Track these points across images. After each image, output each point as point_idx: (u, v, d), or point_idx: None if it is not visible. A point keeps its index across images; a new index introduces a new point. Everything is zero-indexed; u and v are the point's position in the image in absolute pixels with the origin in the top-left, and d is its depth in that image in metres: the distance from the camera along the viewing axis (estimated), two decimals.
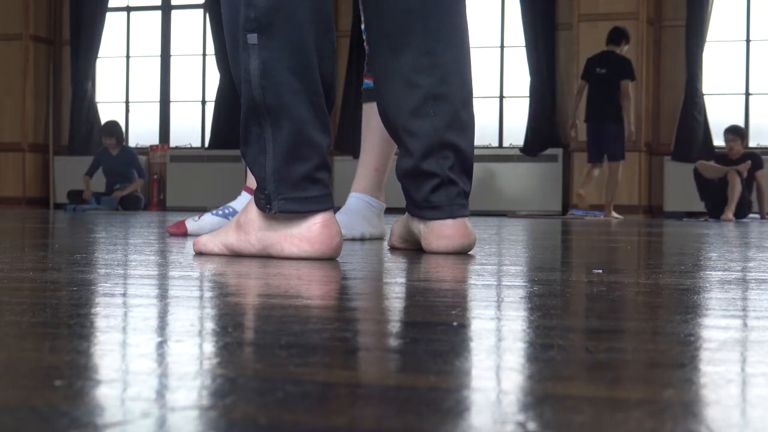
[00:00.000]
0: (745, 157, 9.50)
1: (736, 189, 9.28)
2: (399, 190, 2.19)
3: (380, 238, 2.94)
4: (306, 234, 1.82)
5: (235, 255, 1.92)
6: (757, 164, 9.43)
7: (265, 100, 1.80)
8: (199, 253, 1.96)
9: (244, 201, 2.98)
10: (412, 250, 2.20)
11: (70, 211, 9.01)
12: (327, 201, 1.84)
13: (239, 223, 1.92)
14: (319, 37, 1.84)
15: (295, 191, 1.81)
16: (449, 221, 2.09)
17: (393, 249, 2.25)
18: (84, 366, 0.66)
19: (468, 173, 2.14)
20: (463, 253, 2.08)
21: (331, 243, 1.82)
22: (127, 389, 0.58)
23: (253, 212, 1.89)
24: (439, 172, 2.08)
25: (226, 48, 1.88)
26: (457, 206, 2.10)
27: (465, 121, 2.11)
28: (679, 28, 10.50)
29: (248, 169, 2.97)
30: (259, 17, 1.79)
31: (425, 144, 2.07)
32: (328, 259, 1.81)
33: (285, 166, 1.81)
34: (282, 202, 1.81)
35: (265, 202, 1.84)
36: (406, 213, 2.19)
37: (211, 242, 1.96)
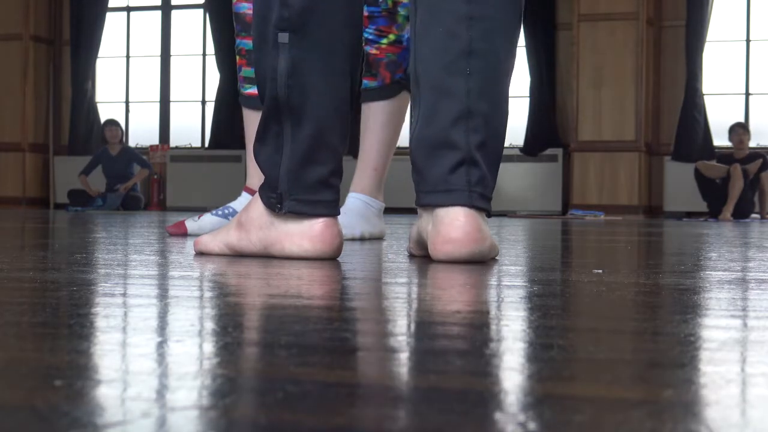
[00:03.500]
0: (755, 156, 9.50)
1: (736, 186, 9.28)
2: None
3: (380, 238, 2.94)
4: (308, 232, 1.81)
5: (236, 254, 1.92)
6: (765, 164, 9.44)
7: (289, 100, 1.79)
8: (200, 253, 1.96)
9: (244, 201, 2.98)
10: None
11: (72, 211, 9.01)
12: (335, 207, 1.84)
13: (240, 222, 1.91)
14: (351, 41, 1.84)
15: (308, 194, 1.80)
16: (461, 214, 1.76)
17: (412, 257, 1.96)
18: (84, 366, 0.66)
19: (496, 157, 1.84)
20: (474, 262, 1.75)
21: (332, 243, 1.81)
22: (127, 389, 0.58)
23: (255, 211, 1.88)
24: (463, 146, 1.79)
25: (253, 44, 1.86)
26: (476, 195, 1.78)
27: (500, 93, 1.84)
28: (679, 28, 10.51)
29: (249, 170, 3.00)
30: (293, 17, 1.78)
31: (455, 107, 1.80)
32: (329, 259, 1.81)
33: (301, 167, 1.80)
34: (293, 203, 1.81)
35: (275, 201, 1.83)
36: (418, 213, 1.93)
37: (212, 242, 1.95)
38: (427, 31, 1.83)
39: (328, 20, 1.81)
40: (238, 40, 3.01)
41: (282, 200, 1.81)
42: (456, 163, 1.78)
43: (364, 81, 2.99)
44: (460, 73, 1.79)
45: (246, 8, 2.95)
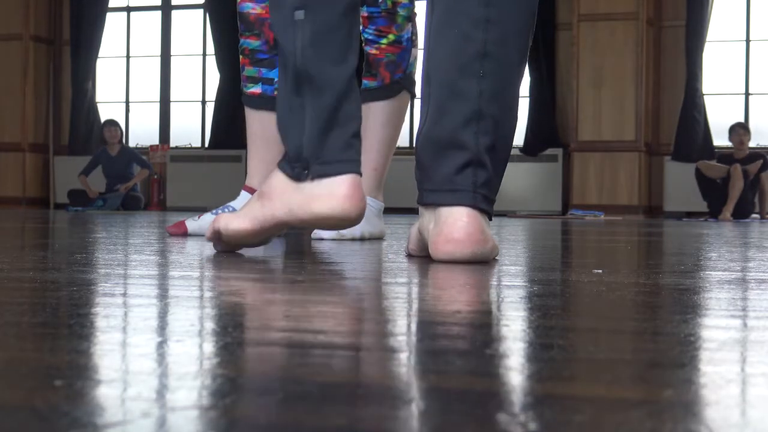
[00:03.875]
0: (755, 157, 9.51)
1: (736, 186, 9.28)
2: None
3: (380, 238, 2.94)
4: (336, 192, 1.83)
5: (260, 229, 1.93)
6: (766, 165, 9.44)
7: (308, 71, 1.87)
8: (217, 234, 1.96)
9: (243, 201, 2.98)
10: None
11: (72, 212, 9.01)
12: (359, 166, 1.88)
13: (261, 193, 1.95)
14: (353, 21, 1.94)
15: (333, 154, 1.85)
16: (464, 215, 1.76)
17: (410, 257, 1.95)
18: (84, 366, 0.66)
19: (503, 161, 1.86)
20: (474, 262, 1.74)
21: (358, 205, 1.84)
22: (127, 389, 0.58)
23: (276, 180, 1.91)
24: (472, 146, 1.81)
25: (273, 28, 1.95)
26: (480, 196, 1.79)
27: (511, 97, 1.88)
28: (679, 28, 10.51)
29: (250, 169, 3.00)
30: None
31: (467, 108, 1.82)
32: (353, 222, 1.85)
33: (324, 133, 1.86)
34: (319, 166, 1.85)
35: (301, 169, 1.87)
36: (419, 212, 1.92)
37: (236, 219, 1.96)
38: (442, 31, 1.87)
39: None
40: (242, 40, 3.02)
41: (309, 166, 1.86)
42: (463, 164, 1.80)
43: (364, 81, 2.99)
44: (473, 75, 1.82)
45: (250, 8, 2.96)
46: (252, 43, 2.97)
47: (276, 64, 2.93)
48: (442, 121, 1.83)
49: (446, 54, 1.85)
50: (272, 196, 1.91)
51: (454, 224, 1.76)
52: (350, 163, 1.86)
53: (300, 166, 1.87)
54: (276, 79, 2.92)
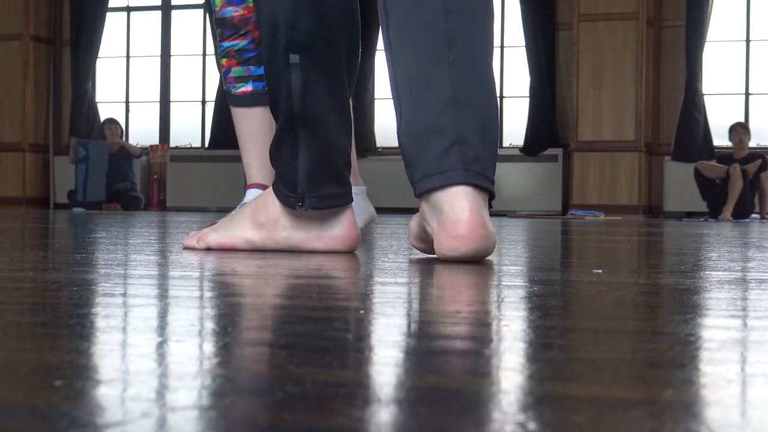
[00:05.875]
0: (754, 157, 9.51)
1: (736, 187, 9.29)
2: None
3: (371, 222, 3.03)
4: (338, 234, 2.01)
5: (249, 249, 2.05)
6: (765, 165, 9.45)
7: (304, 113, 1.97)
8: (208, 249, 2.06)
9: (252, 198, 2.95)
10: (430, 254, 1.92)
11: (78, 211, 9.02)
12: (349, 195, 2.03)
13: (259, 222, 2.05)
14: (349, 57, 2.05)
15: (326, 189, 1.98)
16: (465, 209, 1.73)
17: (412, 257, 1.94)
18: (84, 366, 0.66)
19: (491, 142, 1.82)
20: (477, 259, 1.75)
21: (355, 239, 2.04)
22: (127, 389, 0.58)
23: (275, 211, 2.03)
24: (452, 129, 1.78)
25: (264, 66, 2.05)
26: (473, 173, 1.75)
27: (485, 80, 1.86)
28: (679, 28, 10.51)
29: (250, 168, 2.99)
30: (303, 40, 1.97)
31: (442, 94, 1.80)
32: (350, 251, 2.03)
33: (318, 168, 1.98)
34: (314, 200, 1.98)
35: (295, 200, 1.99)
36: (420, 211, 1.88)
37: (224, 237, 2.08)
38: (403, 31, 1.88)
39: (332, 42, 2.00)
40: (226, 43, 3.01)
41: (303, 199, 1.98)
42: (448, 146, 1.77)
43: None
44: (443, 61, 1.82)
45: (232, 12, 2.97)
46: (239, 43, 2.98)
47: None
48: (420, 112, 1.82)
49: (411, 49, 1.86)
50: (272, 230, 2.04)
51: (457, 219, 1.73)
52: (342, 196, 2.01)
53: (294, 197, 1.99)
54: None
